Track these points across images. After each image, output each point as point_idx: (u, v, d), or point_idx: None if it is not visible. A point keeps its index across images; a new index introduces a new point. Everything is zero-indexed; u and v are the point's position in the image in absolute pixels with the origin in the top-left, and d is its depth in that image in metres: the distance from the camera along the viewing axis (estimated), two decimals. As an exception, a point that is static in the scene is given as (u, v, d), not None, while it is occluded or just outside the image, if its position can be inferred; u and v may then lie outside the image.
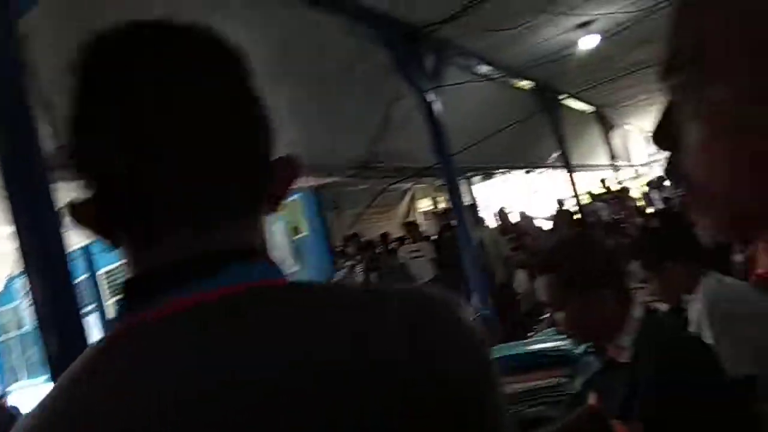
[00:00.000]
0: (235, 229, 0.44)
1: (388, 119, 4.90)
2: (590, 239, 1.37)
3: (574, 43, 5.83)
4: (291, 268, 7.71)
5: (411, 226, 7.02)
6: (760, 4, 0.33)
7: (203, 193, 0.42)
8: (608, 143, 11.53)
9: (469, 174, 9.01)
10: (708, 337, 1.85)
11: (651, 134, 0.43)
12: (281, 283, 0.44)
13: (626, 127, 12.62)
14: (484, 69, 5.68)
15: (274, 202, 0.47)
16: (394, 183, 6.35)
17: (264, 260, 0.45)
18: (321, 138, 4.61)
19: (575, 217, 7.89)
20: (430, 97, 4.53)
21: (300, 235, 8.36)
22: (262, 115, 0.46)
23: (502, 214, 8.19)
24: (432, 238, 6.94)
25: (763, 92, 0.33)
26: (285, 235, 8.33)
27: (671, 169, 0.42)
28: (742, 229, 0.40)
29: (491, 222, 7.67)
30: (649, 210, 8.59)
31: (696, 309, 1.96)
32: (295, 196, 7.78)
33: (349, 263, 6.43)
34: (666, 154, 0.41)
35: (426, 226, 8.21)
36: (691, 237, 2.14)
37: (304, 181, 5.22)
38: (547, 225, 8.28)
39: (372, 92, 4.71)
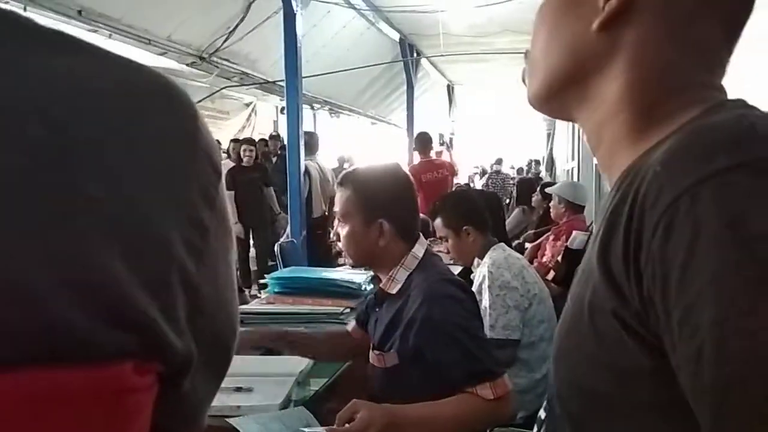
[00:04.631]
0: None
1: (243, 17, 4.49)
2: (400, 173, 1.32)
3: (445, 9, 5.80)
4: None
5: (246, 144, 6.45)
6: None
7: None
8: (452, 120, 12.06)
9: (315, 106, 8.80)
10: (485, 299, 2.00)
11: None
12: None
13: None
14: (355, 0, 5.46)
15: None
16: (232, 86, 5.90)
17: None
18: (162, 13, 4.06)
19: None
20: (296, 7, 4.23)
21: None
22: None
23: (339, 158, 8.25)
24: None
25: None
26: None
27: None
28: None
29: (327, 157, 7.58)
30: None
31: (481, 273, 2.10)
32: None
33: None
34: None
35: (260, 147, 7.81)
36: (491, 215, 2.30)
37: (131, 55, 4.59)
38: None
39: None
